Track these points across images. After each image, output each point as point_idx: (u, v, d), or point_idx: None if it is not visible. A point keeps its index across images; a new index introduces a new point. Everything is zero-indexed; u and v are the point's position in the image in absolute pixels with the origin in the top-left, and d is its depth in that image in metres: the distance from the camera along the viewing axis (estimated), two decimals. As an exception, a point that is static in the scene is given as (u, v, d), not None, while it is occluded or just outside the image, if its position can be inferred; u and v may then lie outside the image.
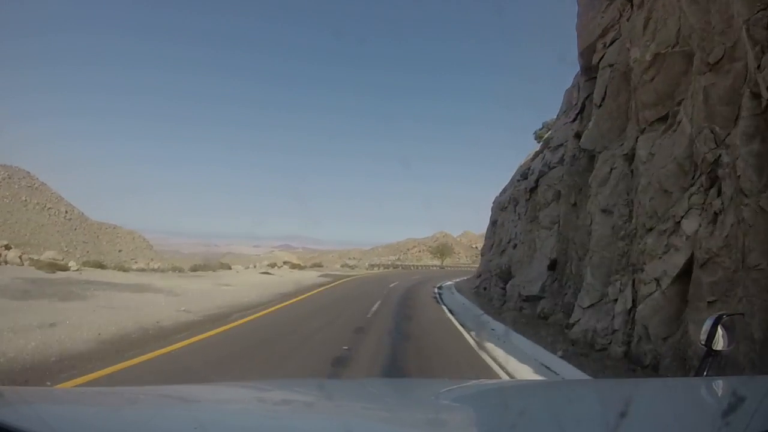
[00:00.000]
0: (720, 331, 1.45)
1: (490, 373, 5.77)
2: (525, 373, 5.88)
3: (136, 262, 26.28)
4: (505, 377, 5.57)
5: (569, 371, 5.86)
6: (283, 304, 12.50)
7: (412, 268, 58.87)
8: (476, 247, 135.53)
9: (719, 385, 1.42)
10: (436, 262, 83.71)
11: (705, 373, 1.47)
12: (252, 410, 1.45)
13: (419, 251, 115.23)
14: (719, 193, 5.07)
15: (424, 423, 1.33)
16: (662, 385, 1.81)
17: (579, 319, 8.19)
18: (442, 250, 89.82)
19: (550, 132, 17.70)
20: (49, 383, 4.17)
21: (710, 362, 1.47)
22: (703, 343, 1.48)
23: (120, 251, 63.71)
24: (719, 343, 1.45)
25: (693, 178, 5.74)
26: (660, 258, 6.06)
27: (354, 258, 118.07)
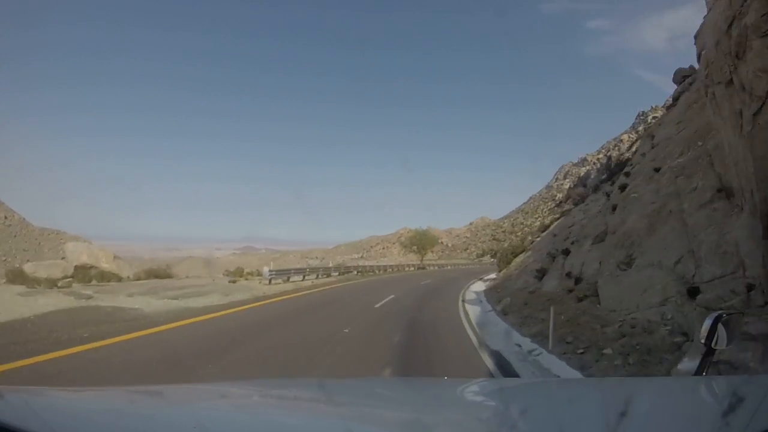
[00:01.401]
0: (720, 329, 1.46)
1: None
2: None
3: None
4: None
5: None
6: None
7: (378, 272, 39.37)
8: (441, 242, 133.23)
9: (719, 384, 1.45)
10: (409, 259, 60.68)
11: (705, 373, 1.48)
12: (252, 410, 1.47)
13: (383, 248, 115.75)
14: None
15: (423, 423, 1.34)
16: (662, 385, 1.84)
17: None
18: (421, 240, 63.94)
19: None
20: None
21: (710, 362, 1.49)
22: (702, 342, 1.49)
23: (63, 258, 59.93)
24: (719, 341, 1.47)
25: None
26: None
27: (316, 257, 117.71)
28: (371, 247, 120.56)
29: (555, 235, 20.74)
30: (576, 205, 25.42)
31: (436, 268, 53.89)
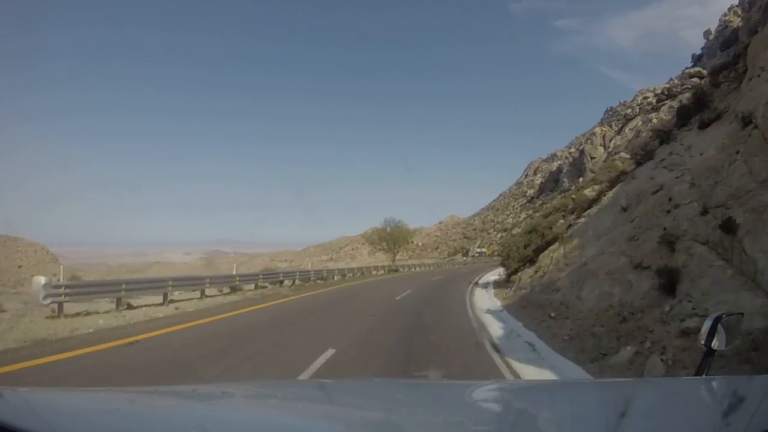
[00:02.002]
0: (719, 330, 1.48)
1: None
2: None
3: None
4: None
5: None
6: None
7: (335, 277, 29.55)
8: (412, 241, 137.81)
9: (719, 385, 1.48)
10: (378, 260, 53.70)
11: (705, 373, 1.50)
12: (252, 410, 1.47)
13: (352, 249, 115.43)
14: None
15: (422, 424, 1.35)
16: (662, 385, 1.88)
17: None
18: (392, 236, 53.22)
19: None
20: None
21: (710, 362, 1.50)
22: (702, 343, 1.51)
23: (20, 267, 57.58)
24: (719, 342, 1.49)
25: None
26: None
27: (285, 260, 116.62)
28: (340, 248, 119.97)
29: (625, 209, 12.54)
30: (640, 164, 14.89)
31: (409, 270, 44.95)
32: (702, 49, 65.97)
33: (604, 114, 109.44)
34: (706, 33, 66.32)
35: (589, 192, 22.47)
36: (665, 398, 1.42)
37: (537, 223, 24.85)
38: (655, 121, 43.15)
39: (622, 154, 32.73)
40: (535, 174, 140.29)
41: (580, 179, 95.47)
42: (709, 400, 1.39)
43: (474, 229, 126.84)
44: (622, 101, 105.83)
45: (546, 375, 6.58)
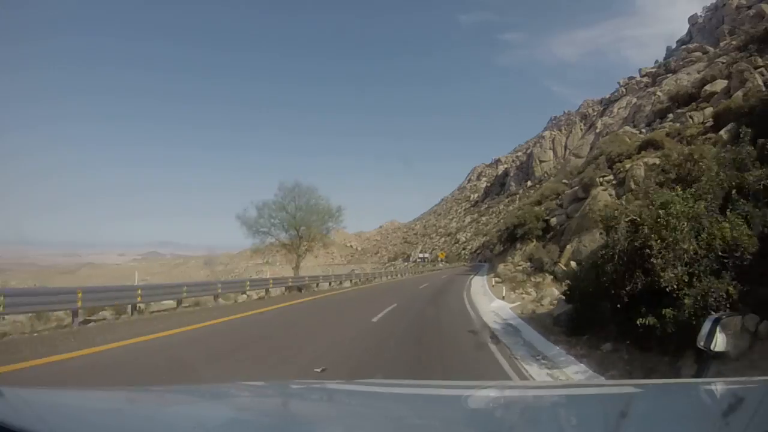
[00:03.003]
0: (719, 332, 1.50)
1: None
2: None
3: None
4: None
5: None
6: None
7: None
8: (351, 246, 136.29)
9: (719, 386, 1.53)
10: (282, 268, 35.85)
11: (704, 375, 1.52)
12: (251, 410, 1.48)
13: (288, 251, 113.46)
14: None
15: (423, 424, 1.36)
16: (662, 387, 1.91)
17: None
18: (299, 219, 27.61)
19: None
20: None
21: (710, 363, 1.52)
22: (701, 344, 1.53)
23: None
24: (718, 344, 1.51)
25: None
26: None
27: (221, 263, 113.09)
28: (277, 251, 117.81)
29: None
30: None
31: (334, 291, 23.45)
32: (689, 32, 70.28)
33: (548, 122, 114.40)
34: (692, 18, 70.03)
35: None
36: (665, 400, 1.45)
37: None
38: (659, 93, 42.21)
39: (626, 128, 34.16)
40: (478, 179, 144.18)
41: (528, 182, 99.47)
42: (709, 401, 1.44)
43: (415, 234, 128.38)
44: (566, 111, 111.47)
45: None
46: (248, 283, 18.96)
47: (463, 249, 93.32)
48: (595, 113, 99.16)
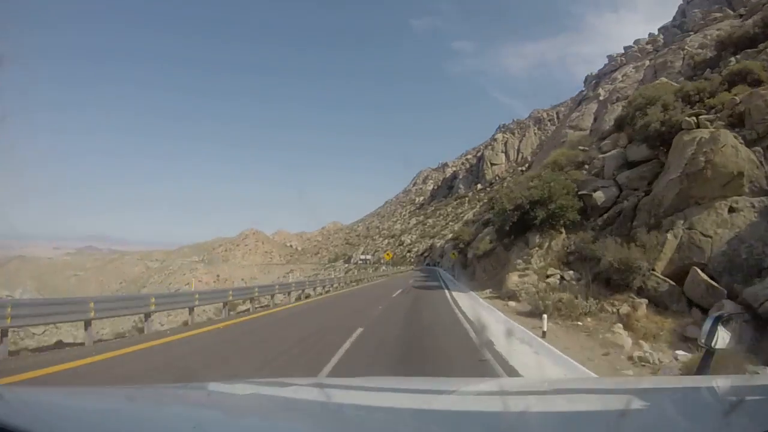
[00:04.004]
0: (720, 330, 1.52)
1: None
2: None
3: None
4: None
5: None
6: None
7: None
8: (291, 245, 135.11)
9: (719, 384, 1.53)
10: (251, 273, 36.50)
11: (705, 373, 1.54)
12: (251, 410, 1.48)
13: (225, 250, 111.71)
14: None
15: (422, 422, 1.37)
16: (662, 385, 1.92)
17: None
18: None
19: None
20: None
21: (710, 361, 1.54)
22: (702, 342, 1.54)
23: None
24: (720, 342, 1.53)
25: None
26: None
27: (157, 260, 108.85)
28: (213, 249, 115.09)
29: None
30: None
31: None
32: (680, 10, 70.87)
33: (497, 129, 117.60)
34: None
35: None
36: (665, 399, 1.47)
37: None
38: (687, 48, 33.64)
39: (663, 79, 23.24)
40: (424, 182, 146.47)
41: (478, 185, 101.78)
42: (710, 399, 1.46)
43: (357, 236, 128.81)
44: (515, 119, 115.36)
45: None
46: (153, 299, 10.41)
47: (408, 251, 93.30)
48: (550, 117, 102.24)
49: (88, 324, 8.44)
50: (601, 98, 44.84)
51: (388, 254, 56.77)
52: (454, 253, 43.98)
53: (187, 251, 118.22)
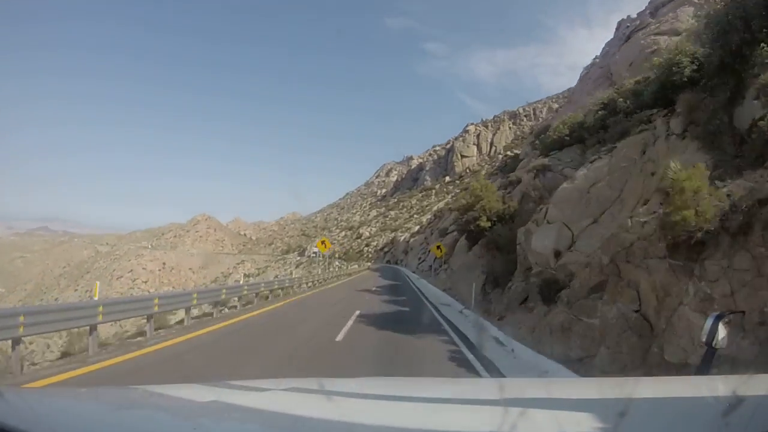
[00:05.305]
0: (721, 329, 1.53)
1: None
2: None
3: None
4: None
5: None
6: None
7: None
8: (245, 234, 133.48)
9: (719, 384, 1.57)
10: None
11: (706, 372, 1.54)
12: (251, 410, 1.49)
13: (175, 236, 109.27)
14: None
15: (422, 422, 1.38)
16: (662, 385, 1.96)
17: None
18: None
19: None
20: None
21: (711, 361, 1.55)
22: (703, 341, 1.55)
23: None
24: (720, 341, 1.54)
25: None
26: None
27: (107, 243, 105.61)
28: (162, 234, 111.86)
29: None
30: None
31: None
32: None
33: (463, 130, 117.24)
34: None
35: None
36: (665, 397, 1.47)
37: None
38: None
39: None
40: (387, 175, 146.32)
41: (446, 178, 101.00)
42: (710, 399, 1.48)
43: (315, 227, 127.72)
44: (483, 118, 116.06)
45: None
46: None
47: (366, 245, 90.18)
48: (526, 113, 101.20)
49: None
50: (652, 36, 27.97)
51: (324, 242, 28.96)
52: (438, 247, 28.13)
53: (138, 236, 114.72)
